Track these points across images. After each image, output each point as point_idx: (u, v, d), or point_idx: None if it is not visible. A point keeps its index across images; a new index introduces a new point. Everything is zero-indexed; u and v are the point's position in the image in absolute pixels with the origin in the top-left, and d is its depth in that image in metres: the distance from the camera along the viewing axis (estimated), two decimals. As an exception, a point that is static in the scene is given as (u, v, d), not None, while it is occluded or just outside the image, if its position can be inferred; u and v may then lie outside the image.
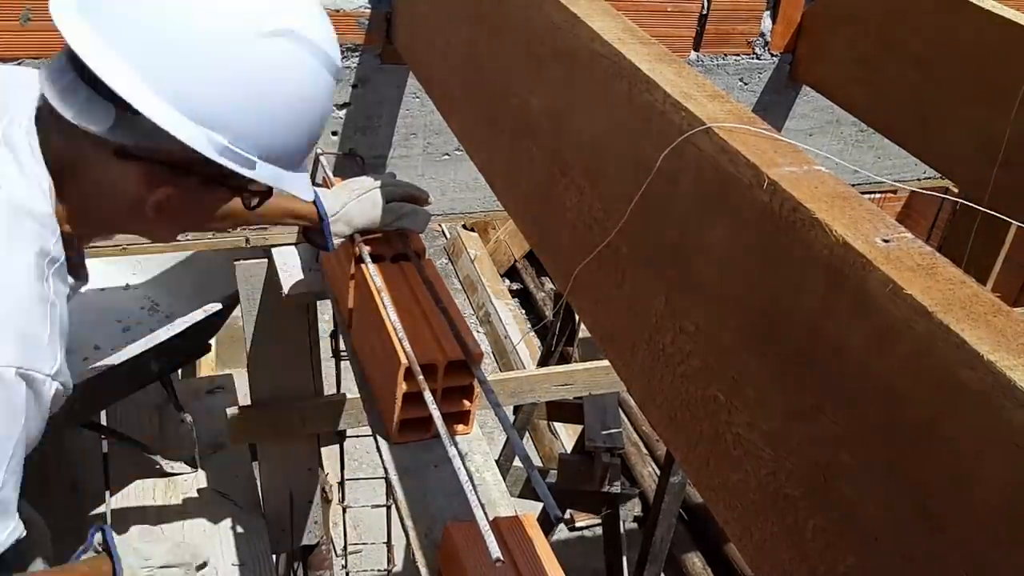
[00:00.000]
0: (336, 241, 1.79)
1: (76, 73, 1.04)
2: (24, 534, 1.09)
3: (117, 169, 1.08)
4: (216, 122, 1.05)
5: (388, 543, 3.99)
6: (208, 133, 1.05)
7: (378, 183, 1.82)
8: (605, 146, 1.07)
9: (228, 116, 1.05)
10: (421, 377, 1.52)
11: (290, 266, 2.15)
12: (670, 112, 0.91)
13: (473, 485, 1.36)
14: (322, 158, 2.07)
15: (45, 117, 1.07)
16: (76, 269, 1.20)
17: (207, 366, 4.49)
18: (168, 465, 2.85)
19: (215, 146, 1.05)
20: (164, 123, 1.02)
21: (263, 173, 1.12)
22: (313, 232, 1.80)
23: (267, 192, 1.21)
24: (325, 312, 3.67)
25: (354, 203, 1.79)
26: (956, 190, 2.71)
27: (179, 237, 2.06)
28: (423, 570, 1.46)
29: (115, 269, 2.87)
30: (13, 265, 1.02)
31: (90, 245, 1.28)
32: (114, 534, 1.41)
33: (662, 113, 0.93)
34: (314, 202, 1.75)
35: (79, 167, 1.09)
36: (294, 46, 1.08)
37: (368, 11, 1.94)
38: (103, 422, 2.93)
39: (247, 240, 2.15)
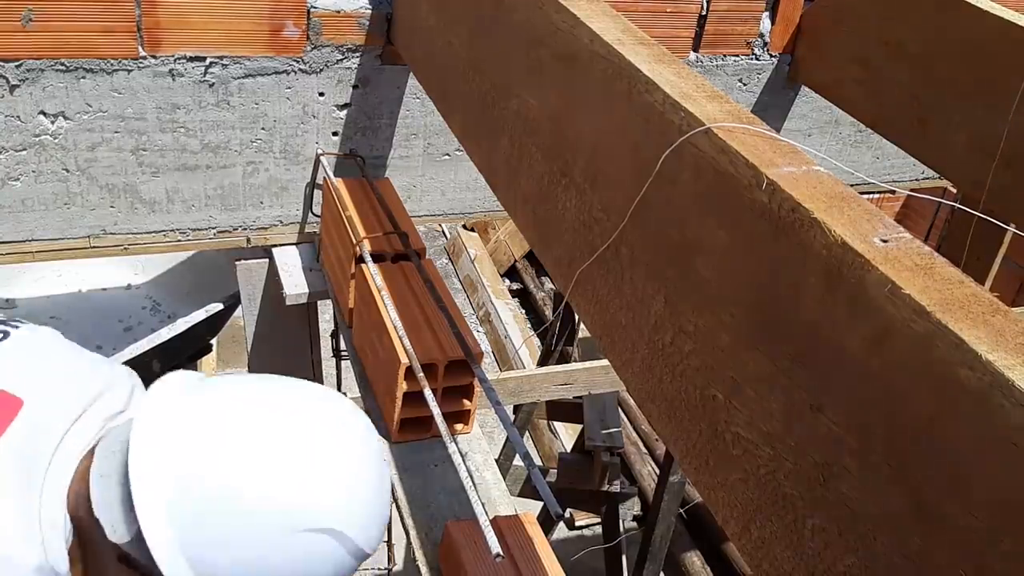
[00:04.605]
0: None
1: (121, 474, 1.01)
2: None
3: (115, 569, 1.04)
4: None
5: (388, 543, 3.99)
6: None
7: None
8: (605, 147, 1.07)
9: None
10: (421, 375, 1.53)
11: (291, 266, 2.15)
12: (669, 113, 0.92)
13: (473, 483, 1.36)
14: (323, 159, 2.07)
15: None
16: None
17: (208, 366, 4.49)
18: (168, 465, 2.84)
19: None
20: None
21: None
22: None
23: None
24: (325, 312, 3.67)
25: None
26: (955, 190, 2.71)
27: (179, 238, 2.10)
28: (423, 569, 1.46)
29: (117, 269, 2.88)
30: None
31: None
32: None
33: (662, 114, 0.93)
34: None
35: (92, 541, 1.05)
36: (326, 539, 1.02)
37: (368, 11, 1.94)
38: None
39: (248, 240, 2.15)
